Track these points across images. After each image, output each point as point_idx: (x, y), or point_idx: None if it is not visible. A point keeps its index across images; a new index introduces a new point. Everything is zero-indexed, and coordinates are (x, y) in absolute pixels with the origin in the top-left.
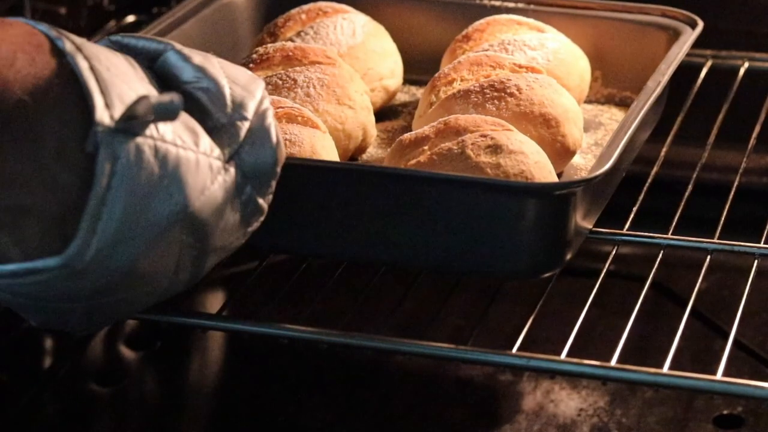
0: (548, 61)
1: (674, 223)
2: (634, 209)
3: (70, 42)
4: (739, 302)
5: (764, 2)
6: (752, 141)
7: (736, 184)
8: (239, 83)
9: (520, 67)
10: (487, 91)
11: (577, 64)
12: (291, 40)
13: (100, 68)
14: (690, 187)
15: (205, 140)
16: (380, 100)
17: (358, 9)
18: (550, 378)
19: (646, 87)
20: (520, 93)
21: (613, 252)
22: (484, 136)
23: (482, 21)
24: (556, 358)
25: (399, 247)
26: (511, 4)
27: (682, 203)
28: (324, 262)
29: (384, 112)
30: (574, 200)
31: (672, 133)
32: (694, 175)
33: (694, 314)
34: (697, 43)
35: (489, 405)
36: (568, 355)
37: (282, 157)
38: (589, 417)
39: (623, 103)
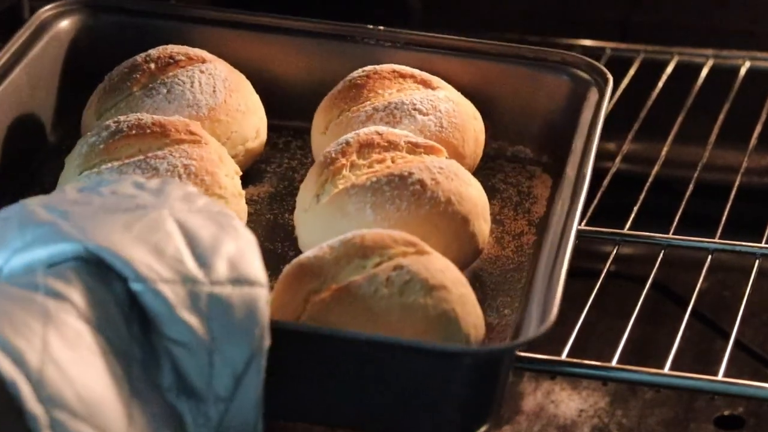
0: (441, 128)
1: (675, 223)
2: (635, 209)
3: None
4: (740, 303)
5: (765, 1)
6: (753, 141)
7: (737, 184)
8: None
9: (417, 147)
10: (386, 188)
11: (472, 127)
12: (138, 97)
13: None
14: (691, 187)
15: None
16: (242, 165)
17: (208, 46)
18: (551, 378)
19: (561, 193)
20: (424, 190)
21: (614, 252)
22: (399, 267)
23: (361, 73)
24: (556, 358)
25: (316, 404)
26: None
27: (683, 203)
28: None
29: (245, 175)
30: (506, 360)
31: (673, 132)
32: (695, 175)
33: (695, 315)
34: (698, 43)
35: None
36: (569, 355)
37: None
38: (589, 418)
39: (516, 159)
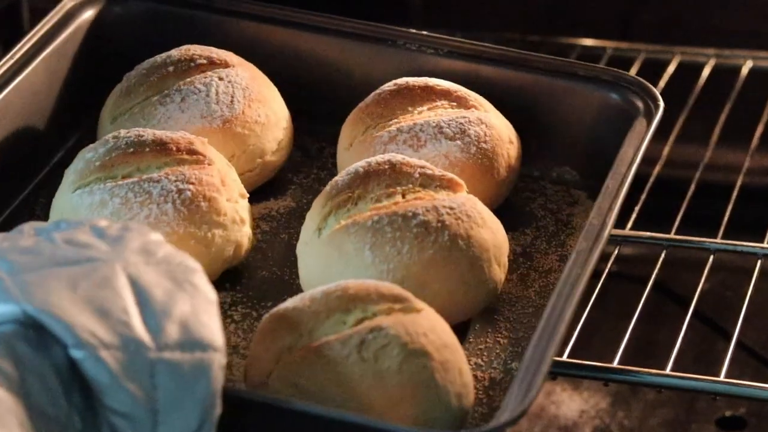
0: (469, 155)
1: (676, 223)
2: (637, 209)
3: None
4: (742, 303)
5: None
6: (755, 140)
7: (739, 184)
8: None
9: (432, 179)
10: (387, 228)
11: (504, 152)
12: (152, 103)
13: None
14: (692, 187)
15: None
16: (261, 179)
17: (242, 42)
18: (552, 379)
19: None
20: (428, 232)
21: (615, 252)
22: (378, 329)
23: (392, 87)
24: (557, 359)
25: None
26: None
27: (685, 203)
28: None
29: (266, 187)
30: None
31: (674, 132)
32: (697, 175)
33: (697, 315)
34: (700, 42)
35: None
36: (570, 356)
37: None
38: (590, 418)
39: (560, 181)
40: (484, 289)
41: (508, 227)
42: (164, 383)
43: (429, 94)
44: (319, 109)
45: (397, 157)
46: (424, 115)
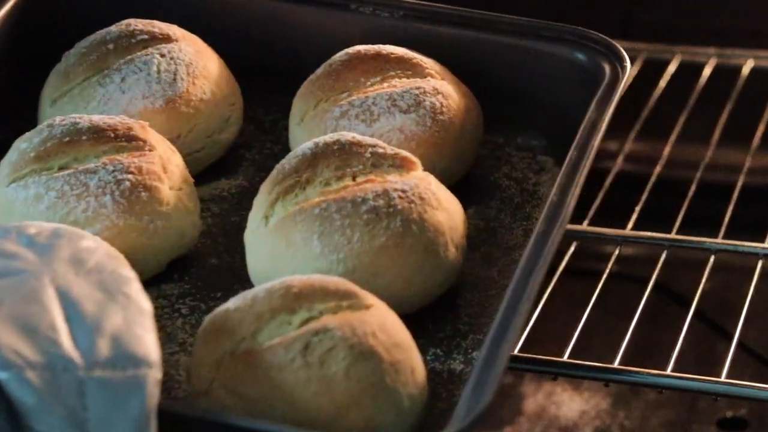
0: (425, 127)
1: (677, 224)
2: (637, 209)
3: None
4: (743, 303)
5: None
6: (756, 140)
7: (740, 184)
8: None
9: (384, 158)
10: (336, 216)
11: (463, 122)
12: (92, 84)
13: None
14: (693, 187)
15: None
16: (211, 158)
17: (189, 12)
18: (552, 380)
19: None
20: (379, 218)
21: (616, 252)
22: (324, 331)
23: (343, 57)
24: (558, 359)
25: None
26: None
27: (686, 203)
28: None
29: (217, 166)
30: None
31: (675, 132)
32: (698, 175)
33: (698, 315)
34: (700, 41)
35: (490, 407)
36: (570, 356)
37: None
38: (591, 419)
39: (526, 147)
40: (442, 275)
41: (471, 200)
42: (95, 403)
43: (382, 63)
44: (272, 79)
45: (346, 136)
46: (377, 86)
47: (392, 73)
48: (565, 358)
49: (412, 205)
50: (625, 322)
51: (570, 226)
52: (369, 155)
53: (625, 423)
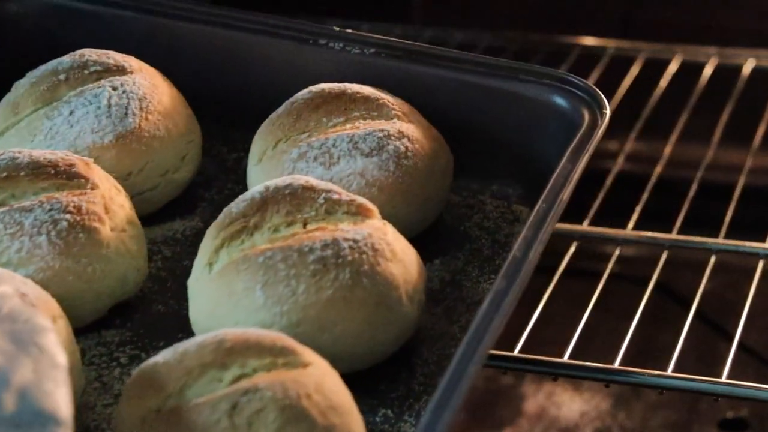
0: (388, 173)
1: (678, 224)
2: (638, 209)
3: None
4: (744, 303)
5: None
6: (757, 140)
7: (740, 184)
8: None
9: (338, 205)
10: (281, 266)
11: (431, 168)
12: (39, 116)
13: None
14: (694, 187)
15: None
16: (166, 197)
17: (152, 40)
18: (553, 380)
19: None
20: (326, 270)
21: (616, 253)
22: (254, 390)
23: (306, 95)
24: (558, 360)
25: None
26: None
27: (686, 203)
28: None
29: (174, 204)
30: None
31: (675, 132)
32: (698, 175)
33: (699, 316)
34: (701, 41)
35: (490, 408)
36: (571, 357)
37: None
38: (591, 420)
39: (502, 196)
40: (395, 331)
41: (438, 250)
42: None
43: (346, 103)
44: (237, 115)
45: (300, 180)
46: (339, 128)
47: (356, 114)
48: (566, 358)
49: (364, 256)
50: (626, 322)
51: (570, 227)
52: (322, 201)
53: (626, 424)
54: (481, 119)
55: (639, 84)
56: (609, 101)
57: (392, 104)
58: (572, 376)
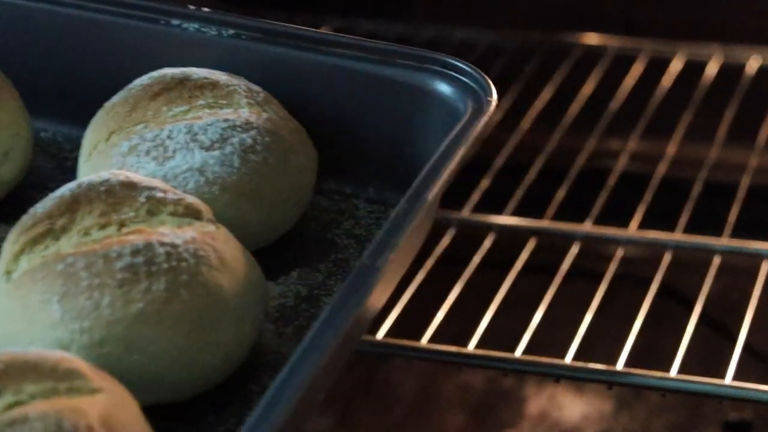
0: (232, 169)
1: (682, 224)
2: (641, 209)
3: None
4: (748, 305)
5: None
6: (762, 139)
7: (745, 183)
8: None
9: (163, 204)
10: (83, 274)
11: (285, 164)
12: None
13: None
14: (698, 186)
15: None
16: None
17: None
18: (555, 382)
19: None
20: (137, 280)
21: (619, 253)
22: (22, 420)
23: (146, 81)
24: (560, 361)
25: None
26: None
27: (690, 203)
28: None
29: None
30: None
31: (679, 131)
32: (703, 175)
33: (702, 317)
34: (705, 38)
35: (491, 410)
36: (573, 358)
37: None
38: (594, 422)
39: (378, 199)
40: (222, 354)
41: (297, 261)
42: None
43: (191, 90)
44: (75, 107)
45: (119, 175)
46: (180, 117)
47: (202, 103)
48: (568, 360)
49: (183, 264)
50: (629, 323)
51: (573, 227)
52: (144, 200)
53: (629, 426)
54: (355, 110)
55: (642, 82)
56: (611, 100)
57: (245, 92)
58: (574, 377)
